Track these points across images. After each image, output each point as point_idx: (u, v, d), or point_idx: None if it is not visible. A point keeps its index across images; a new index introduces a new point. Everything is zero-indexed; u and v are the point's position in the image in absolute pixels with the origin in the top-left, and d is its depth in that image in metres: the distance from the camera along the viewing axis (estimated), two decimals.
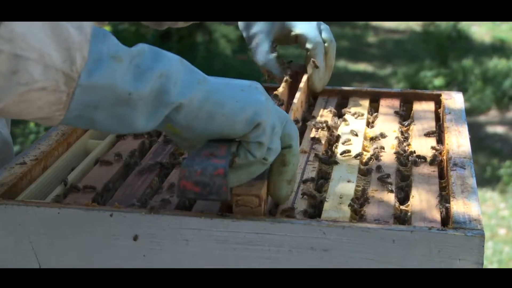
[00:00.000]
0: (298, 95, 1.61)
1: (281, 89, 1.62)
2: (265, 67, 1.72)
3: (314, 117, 1.65)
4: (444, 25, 8.17)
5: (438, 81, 7.08)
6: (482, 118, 6.53)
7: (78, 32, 1.00)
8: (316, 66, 1.68)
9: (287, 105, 1.65)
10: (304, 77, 1.70)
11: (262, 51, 1.70)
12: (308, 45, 1.67)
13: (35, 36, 0.96)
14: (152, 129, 1.10)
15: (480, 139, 6.07)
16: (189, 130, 1.11)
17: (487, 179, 5.42)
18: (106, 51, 1.02)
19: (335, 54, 1.72)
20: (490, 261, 4.39)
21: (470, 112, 6.57)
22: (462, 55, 7.64)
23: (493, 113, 6.63)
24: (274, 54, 1.71)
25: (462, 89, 6.94)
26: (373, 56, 8.40)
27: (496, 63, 7.49)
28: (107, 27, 6.10)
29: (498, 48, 8.14)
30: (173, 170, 1.42)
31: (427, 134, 1.54)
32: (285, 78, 1.68)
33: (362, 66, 8.04)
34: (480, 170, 5.56)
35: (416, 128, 1.59)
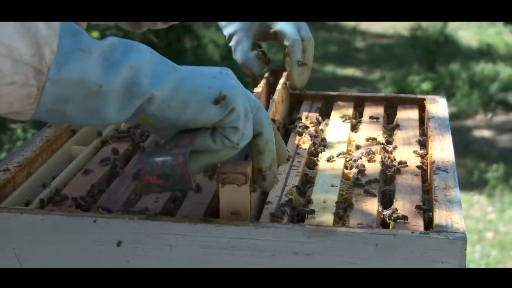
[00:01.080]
0: (278, 89, 1.61)
1: (260, 88, 1.62)
2: (244, 65, 1.72)
3: (299, 121, 1.65)
4: (431, 29, 8.21)
5: (425, 86, 7.10)
6: (469, 122, 6.56)
7: (47, 27, 1.00)
8: (299, 64, 1.67)
9: (267, 102, 1.65)
10: (284, 74, 1.70)
11: (242, 49, 1.71)
12: (286, 42, 1.67)
13: (3, 31, 0.97)
14: (125, 121, 1.10)
15: (467, 143, 6.10)
16: (163, 120, 1.11)
17: (475, 183, 5.45)
18: (76, 44, 1.03)
19: (313, 51, 1.72)
20: (478, 264, 4.40)
21: (457, 116, 6.60)
22: (450, 60, 7.67)
23: (480, 117, 6.66)
24: (254, 52, 1.71)
25: (450, 93, 6.97)
26: (361, 61, 8.43)
27: (483, 68, 7.53)
28: (94, 34, 6.10)
29: (485, 53, 8.19)
30: None
31: (413, 142, 1.55)
32: (265, 76, 1.68)
33: (350, 71, 8.06)
34: (468, 174, 5.58)
35: (400, 134, 1.60)
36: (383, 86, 7.36)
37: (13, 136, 4.97)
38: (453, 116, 6.53)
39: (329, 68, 8.11)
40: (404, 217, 1.25)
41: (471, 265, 4.38)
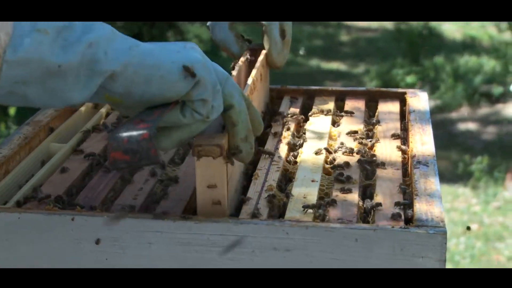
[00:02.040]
0: (257, 67, 1.58)
1: (238, 68, 1.60)
2: (223, 44, 1.70)
3: (280, 116, 1.65)
4: (415, 23, 8.23)
5: (410, 79, 7.12)
6: (453, 115, 6.58)
7: None
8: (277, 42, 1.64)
9: (246, 80, 1.63)
10: (263, 53, 1.68)
11: (220, 28, 1.69)
12: (264, 21, 1.66)
13: None
14: (89, 100, 1.09)
15: (452, 136, 6.12)
16: (128, 97, 1.10)
17: (459, 175, 5.47)
18: (32, 26, 1.01)
19: (291, 30, 1.71)
20: (463, 256, 4.42)
21: (441, 109, 6.62)
22: (434, 53, 7.70)
23: (465, 110, 6.69)
24: (233, 32, 1.69)
25: (434, 86, 6.99)
26: (345, 54, 8.43)
27: (467, 60, 7.55)
28: None
29: (469, 45, 8.21)
30: (137, 173, 1.40)
31: (393, 136, 1.54)
32: (244, 55, 1.66)
33: (335, 65, 8.06)
34: (452, 166, 5.61)
35: (381, 128, 1.60)
36: (368, 79, 7.37)
37: None
38: (437, 109, 6.55)
39: (314, 62, 8.11)
40: (378, 204, 1.25)
41: (456, 256, 4.41)
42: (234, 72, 1.52)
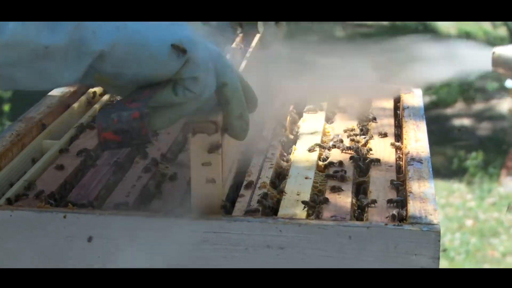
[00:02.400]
0: (251, 50, 1.57)
1: (232, 51, 1.58)
2: (217, 28, 1.68)
3: (273, 112, 1.64)
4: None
5: None
6: (448, 111, 6.59)
7: None
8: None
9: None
10: (257, 36, 1.66)
11: None
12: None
13: None
14: (79, 82, 1.08)
15: (447, 132, 6.13)
16: (118, 77, 1.09)
17: (454, 171, 5.48)
18: None
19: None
20: (458, 252, 4.43)
21: (437, 105, 6.63)
22: None
23: (460, 106, 6.69)
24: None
25: None
26: None
27: None
28: None
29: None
30: (130, 170, 1.40)
31: (380, 135, 1.53)
32: (238, 37, 1.64)
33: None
34: (447, 162, 5.61)
35: (375, 124, 1.59)
36: None
37: None
38: (432, 105, 6.56)
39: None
40: (373, 201, 1.25)
41: (451, 252, 4.41)
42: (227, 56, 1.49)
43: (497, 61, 1.55)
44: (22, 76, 1.03)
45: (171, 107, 1.13)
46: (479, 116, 6.44)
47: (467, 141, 5.96)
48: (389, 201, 1.26)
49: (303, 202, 1.25)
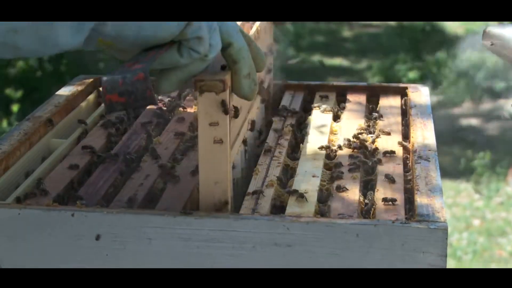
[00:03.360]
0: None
1: None
2: None
3: (281, 111, 1.64)
4: None
5: (412, 74, 7.11)
6: (456, 111, 6.57)
7: None
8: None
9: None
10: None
11: None
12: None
13: None
14: (82, 46, 1.08)
15: (454, 131, 6.11)
16: (121, 40, 1.08)
17: (462, 171, 5.46)
18: None
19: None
20: (465, 252, 4.42)
21: (444, 104, 6.61)
22: (436, 48, 7.68)
23: (467, 106, 6.67)
24: None
25: (436, 82, 6.97)
26: (348, 50, 8.41)
27: (469, 56, 7.53)
28: None
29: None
30: (138, 169, 1.40)
31: (383, 132, 1.53)
32: None
33: (338, 61, 8.05)
34: (455, 162, 5.59)
35: (382, 123, 1.59)
36: (370, 75, 7.36)
37: None
38: (440, 105, 6.54)
39: (316, 58, 8.09)
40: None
41: (458, 252, 4.40)
42: None
43: (487, 35, 1.56)
44: (26, 42, 1.03)
45: (177, 69, 1.13)
46: (486, 116, 6.42)
47: (475, 140, 5.94)
48: (384, 199, 1.26)
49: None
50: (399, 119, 1.61)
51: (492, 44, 1.53)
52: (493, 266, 4.22)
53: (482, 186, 5.23)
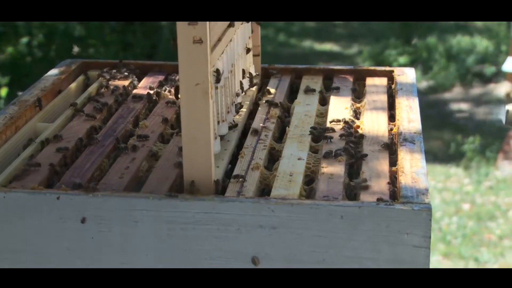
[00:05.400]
0: None
1: None
2: None
3: (268, 94, 1.64)
4: None
5: (403, 59, 7.11)
6: (446, 95, 6.58)
7: None
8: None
9: None
10: None
11: None
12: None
13: None
14: None
15: (444, 116, 6.12)
16: None
17: (452, 155, 5.48)
18: None
19: None
20: (455, 236, 4.44)
21: (434, 89, 6.62)
22: (426, 33, 7.68)
23: (457, 90, 6.68)
24: None
25: (427, 66, 6.98)
26: (339, 35, 8.41)
27: (460, 40, 7.54)
28: None
29: (461, 26, 8.20)
30: (123, 152, 1.40)
31: (374, 110, 1.54)
32: None
33: (328, 46, 8.04)
34: (445, 146, 5.61)
35: (368, 106, 1.59)
36: (360, 60, 7.35)
37: None
38: (430, 90, 6.55)
39: (307, 44, 8.08)
40: (364, 181, 1.25)
41: (448, 236, 4.42)
42: None
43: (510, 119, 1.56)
44: None
45: None
46: (476, 101, 6.44)
47: (465, 125, 5.96)
48: (365, 180, 1.27)
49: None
50: (385, 102, 1.62)
51: None
52: (483, 249, 4.24)
53: (472, 171, 5.26)
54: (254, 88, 1.66)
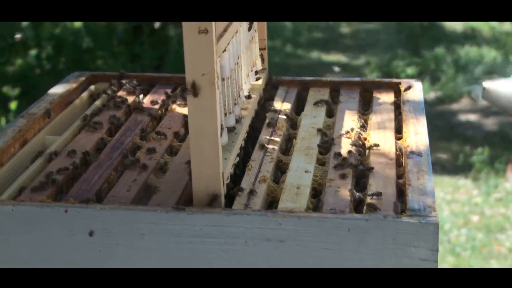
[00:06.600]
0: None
1: None
2: None
3: (274, 108, 1.65)
4: None
5: (410, 70, 7.10)
6: (454, 106, 6.57)
7: None
8: None
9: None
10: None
11: None
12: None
13: None
14: None
15: (452, 127, 6.11)
16: None
17: (460, 167, 5.46)
18: None
19: None
20: (464, 248, 4.42)
21: (442, 100, 6.60)
22: (434, 44, 7.68)
23: (465, 101, 6.67)
24: None
25: (435, 77, 6.97)
26: (346, 46, 8.41)
27: (468, 51, 7.53)
28: (77, 22, 6.05)
29: (469, 36, 8.19)
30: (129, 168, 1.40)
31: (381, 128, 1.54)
32: None
33: (336, 57, 8.05)
34: (453, 157, 5.60)
35: (375, 118, 1.60)
36: (368, 71, 7.35)
37: None
38: (438, 100, 6.54)
39: (315, 54, 8.09)
40: (379, 194, 1.25)
41: (457, 248, 4.40)
42: None
43: (487, 95, 1.58)
44: None
45: None
46: (485, 112, 6.43)
47: (473, 136, 5.94)
48: (371, 194, 1.26)
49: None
50: (392, 114, 1.62)
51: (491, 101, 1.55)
52: (492, 262, 4.22)
53: (480, 182, 5.24)
54: (260, 82, 1.65)
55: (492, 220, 4.75)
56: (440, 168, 5.35)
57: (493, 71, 7.05)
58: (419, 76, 6.91)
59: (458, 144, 5.82)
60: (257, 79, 1.65)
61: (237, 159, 1.37)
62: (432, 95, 6.64)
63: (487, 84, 1.55)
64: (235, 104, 1.41)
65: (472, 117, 6.39)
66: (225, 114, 1.34)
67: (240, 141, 1.41)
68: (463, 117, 6.42)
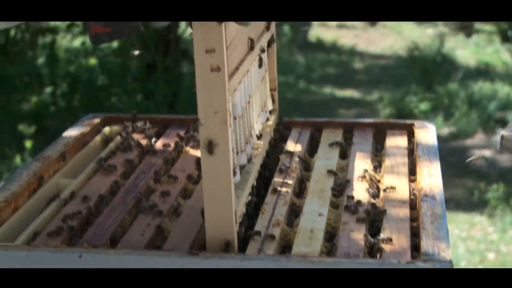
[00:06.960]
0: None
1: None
2: None
3: (288, 149, 1.65)
4: (428, 49, 8.23)
5: (424, 106, 7.10)
6: (468, 142, 6.55)
7: None
8: None
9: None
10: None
11: None
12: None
13: None
14: None
15: (467, 163, 6.08)
16: None
17: (475, 203, 5.42)
18: None
19: None
20: None
21: (456, 136, 6.59)
22: (447, 79, 7.68)
23: (480, 137, 6.65)
24: None
25: (448, 113, 6.96)
26: (359, 82, 8.43)
27: (481, 87, 7.53)
28: (92, 60, 6.11)
29: (483, 72, 8.20)
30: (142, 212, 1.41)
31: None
32: None
33: (349, 92, 8.06)
34: (468, 194, 5.56)
35: (388, 160, 1.59)
36: (381, 107, 7.36)
37: (12, 164, 4.98)
38: (452, 136, 6.52)
39: (328, 90, 8.11)
40: (389, 239, 1.24)
41: None
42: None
43: (505, 144, 1.58)
44: None
45: None
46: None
47: (488, 172, 5.91)
48: (382, 239, 1.26)
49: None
50: (406, 156, 1.62)
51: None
52: None
53: (496, 219, 5.19)
54: (270, 122, 1.66)
55: (509, 258, 4.69)
56: (454, 204, 5.31)
57: (506, 107, 7.03)
58: (432, 111, 6.91)
59: (473, 180, 5.79)
60: (268, 119, 1.66)
61: (249, 197, 1.37)
62: (445, 130, 6.63)
63: (506, 132, 1.55)
64: (247, 143, 1.42)
65: (487, 153, 6.36)
66: (237, 152, 1.34)
67: (252, 180, 1.41)
68: (477, 153, 6.39)
